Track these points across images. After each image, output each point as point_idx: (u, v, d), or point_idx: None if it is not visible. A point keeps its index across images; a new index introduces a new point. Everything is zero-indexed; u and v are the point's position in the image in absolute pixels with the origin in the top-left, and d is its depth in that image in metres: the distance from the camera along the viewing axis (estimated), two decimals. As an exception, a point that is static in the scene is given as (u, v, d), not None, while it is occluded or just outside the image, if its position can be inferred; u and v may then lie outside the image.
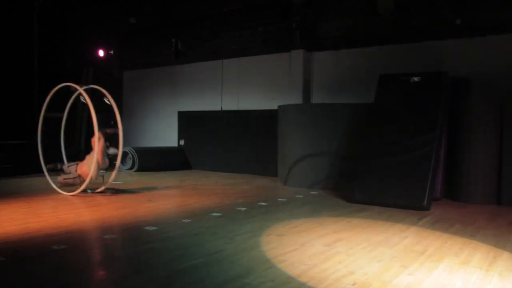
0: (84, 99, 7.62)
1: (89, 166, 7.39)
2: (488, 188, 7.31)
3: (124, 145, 13.27)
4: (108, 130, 7.88)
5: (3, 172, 9.60)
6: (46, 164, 7.87)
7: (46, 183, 8.15)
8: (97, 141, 7.40)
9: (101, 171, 8.18)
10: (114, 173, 7.74)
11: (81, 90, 7.68)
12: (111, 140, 7.88)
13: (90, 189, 7.74)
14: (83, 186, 7.33)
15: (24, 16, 11.18)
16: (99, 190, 7.69)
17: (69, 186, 7.61)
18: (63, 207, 6.49)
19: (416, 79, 7.72)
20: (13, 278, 3.51)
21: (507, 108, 7.28)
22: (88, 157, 7.65)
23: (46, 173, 7.85)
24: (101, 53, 12.90)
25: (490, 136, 7.33)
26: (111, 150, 7.80)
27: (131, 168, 11.70)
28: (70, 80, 8.00)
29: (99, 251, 4.40)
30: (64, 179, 7.64)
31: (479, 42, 8.41)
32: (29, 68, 11.11)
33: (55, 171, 7.99)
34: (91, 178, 7.32)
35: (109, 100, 7.85)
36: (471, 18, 8.47)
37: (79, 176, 7.52)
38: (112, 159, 7.92)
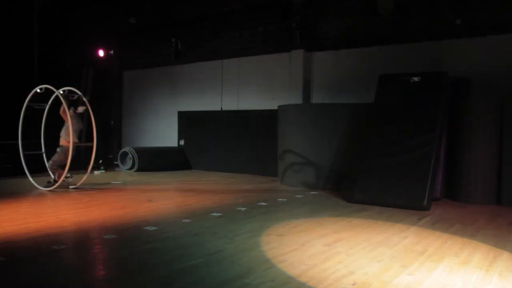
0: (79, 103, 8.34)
1: (66, 132, 7.95)
2: (488, 188, 7.30)
3: (124, 145, 13.43)
4: (70, 97, 8.37)
5: (3, 172, 9.60)
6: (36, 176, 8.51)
7: (46, 183, 8.19)
8: (67, 111, 7.84)
9: (97, 172, 8.35)
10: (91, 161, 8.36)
11: (57, 92, 8.05)
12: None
13: (72, 186, 8.21)
14: (69, 157, 7.70)
15: (24, 16, 11.17)
16: (73, 186, 8.16)
17: (61, 167, 8.02)
18: (63, 207, 6.50)
19: (416, 79, 7.72)
20: (13, 278, 3.51)
21: (507, 108, 7.28)
22: (63, 129, 8.15)
23: (27, 173, 8.26)
24: (101, 53, 12.89)
25: (490, 136, 7.33)
26: (80, 108, 8.36)
27: (131, 168, 11.70)
28: (70, 80, 8.16)
29: (99, 251, 4.40)
30: (52, 161, 8.17)
31: (479, 42, 8.41)
32: (29, 68, 11.11)
33: (53, 183, 8.28)
34: (73, 141, 7.89)
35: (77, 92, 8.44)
36: (471, 18, 8.46)
37: (62, 147, 8.04)
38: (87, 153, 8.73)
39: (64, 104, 7.91)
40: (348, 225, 5.47)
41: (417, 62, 8.80)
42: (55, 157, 8.18)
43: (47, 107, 8.80)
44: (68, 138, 7.93)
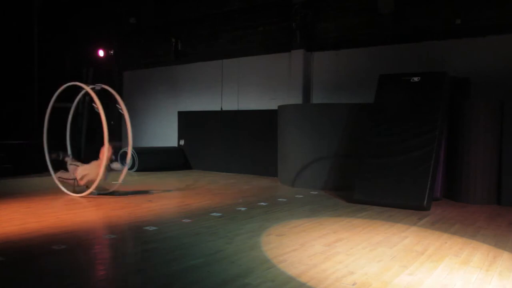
0: (97, 108, 7.55)
1: (92, 174, 7.35)
2: (488, 188, 7.31)
3: (124, 145, 13.40)
4: (115, 144, 7.94)
5: (3, 172, 9.60)
6: (50, 152, 7.86)
7: (46, 183, 8.18)
8: (106, 153, 7.33)
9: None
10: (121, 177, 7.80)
11: (88, 89, 7.67)
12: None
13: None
14: (89, 191, 7.30)
15: (24, 16, 11.18)
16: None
17: (62, 183, 7.66)
18: (63, 207, 6.50)
19: (416, 79, 7.71)
20: (13, 278, 3.50)
21: (507, 108, 7.28)
22: (93, 164, 7.51)
23: (52, 173, 7.82)
24: (101, 53, 12.89)
25: (490, 136, 7.33)
26: (114, 165, 7.91)
27: (131, 168, 11.69)
28: (70, 80, 8.07)
29: (99, 251, 4.40)
30: (59, 177, 7.69)
31: (479, 42, 8.41)
32: (29, 68, 11.12)
33: (58, 160, 7.86)
34: (93, 187, 7.28)
35: (121, 107, 7.93)
36: (471, 18, 8.47)
37: (75, 180, 7.48)
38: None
39: (105, 149, 7.29)
40: (348, 225, 5.47)
41: (417, 62, 8.80)
42: (65, 179, 7.60)
43: (73, 107, 8.30)
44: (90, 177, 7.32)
